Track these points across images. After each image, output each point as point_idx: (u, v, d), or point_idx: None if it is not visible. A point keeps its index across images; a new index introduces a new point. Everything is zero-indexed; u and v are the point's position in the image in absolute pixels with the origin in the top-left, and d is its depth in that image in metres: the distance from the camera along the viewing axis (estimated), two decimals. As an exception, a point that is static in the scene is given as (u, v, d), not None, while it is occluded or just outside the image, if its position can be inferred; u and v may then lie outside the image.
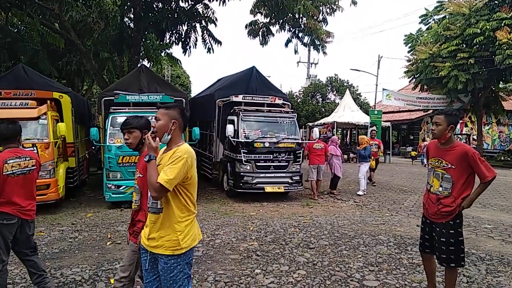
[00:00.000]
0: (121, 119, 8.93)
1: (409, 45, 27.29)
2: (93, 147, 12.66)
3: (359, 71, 28.51)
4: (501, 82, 24.73)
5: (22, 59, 14.75)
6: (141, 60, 16.23)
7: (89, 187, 11.56)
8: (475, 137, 26.32)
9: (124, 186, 8.59)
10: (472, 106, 24.64)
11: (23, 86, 9.01)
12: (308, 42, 16.57)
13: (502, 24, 19.38)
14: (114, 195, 8.57)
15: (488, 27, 19.68)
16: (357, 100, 28.55)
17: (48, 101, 8.86)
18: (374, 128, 10.68)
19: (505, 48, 19.01)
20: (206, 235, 6.38)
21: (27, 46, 14.96)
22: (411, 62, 25.05)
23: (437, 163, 3.69)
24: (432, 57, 22.13)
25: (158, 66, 19.87)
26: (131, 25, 15.41)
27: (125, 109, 9.25)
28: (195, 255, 5.34)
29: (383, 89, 24.92)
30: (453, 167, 3.54)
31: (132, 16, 15.02)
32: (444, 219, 3.59)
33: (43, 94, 9.10)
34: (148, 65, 16.91)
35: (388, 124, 24.73)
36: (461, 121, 31.02)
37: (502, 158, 23.46)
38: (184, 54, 14.66)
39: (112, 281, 4.40)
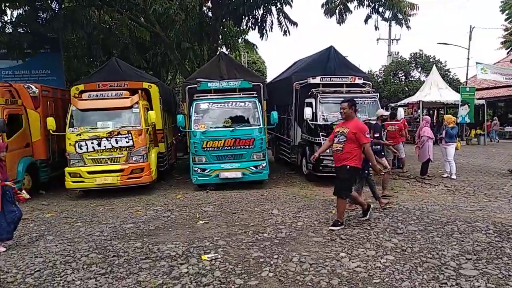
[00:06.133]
0: (204, 105, 9.36)
1: (506, 12, 24.23)
2: (179, 133, 13.49)
3: (448, 44, 26.07)
4: None
5: (115, 53, 16.08)
6: (219, 48, 16.70)
7: (177, 171, 12.37)
8: None
9: (208, 170, 9.02)
10: None
11: (117, 78, 9.84)
12: (389, 17, 15.59)
13: None
14: (200, 178, 9.06)
15: None
16: (445, 76, 26.22)
17: (139, 91, 9.57)
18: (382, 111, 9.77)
19: None
20: (288, 218, 6.45)
21: (118, 41, 16.29)
22: (510, 31, 22.29)
23: None
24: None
25: (236, 53, 20.28)
26: (210, 13, 15.88)
27: (207, 95, 9.64)
28: (278, 236, 5.44)
29: (477, 63, 22.52)
30: None
31: (210, 5, 15.47)
32: None
33: (134, 84, 9.86)
34: (226, 52, 17.36)
35: (482, 101, 22.45)
36: None
37: None
38: (261, 39, 14.76)
39: (203, 257, 4.68)
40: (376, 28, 16.67)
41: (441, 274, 4.07)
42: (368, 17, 15.87)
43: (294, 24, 14.61)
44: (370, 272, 4.15)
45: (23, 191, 5.80)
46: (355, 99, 6.37)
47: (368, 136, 5.70)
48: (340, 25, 15.74)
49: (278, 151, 13.73)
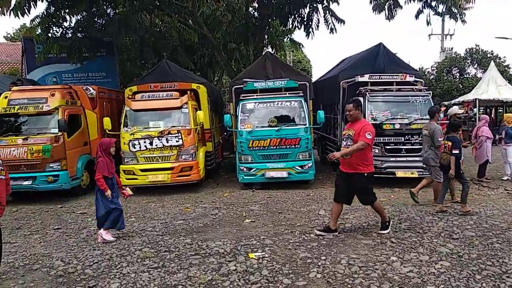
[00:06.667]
0: (250, 105, 9.45)
1: None
2: (225, 133, 13.73)
3: (508, 39, 24.37)
4: None
5: (164, 55, 16.66)
6: (265, 48, 16.76)
7: (224, 169, 12.58)
8: None
9: (254, 169, 9.10)
10: None
11: (167, 79, 10.21)
12: (443, 11, 14.83)
13: None
14: (246, 177, 9.17)
15: None
16: (504, 73, 24.54)
17: (188, 92, 9.85)
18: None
19: None
20: (336, 219, 6.34)
21: (168, 43, 16.86)
22: None
23: None
24: None
25: (281, 52, 20.26)
26: (256, 14, 15.99)
27: (253, 95, 9.72)
28: (325, 237, 5.37)
29: (541, 57, 20.85)
30: None
31: (256, 5, 15.57)
32: None
33: (184, 85, 10.18)
34: (272, 52, 17.39)
35: (548, 99, 20.71)
36: None
37: None
38: (307, 37, 14.59)
39: (250, 255, 4.73)
40: (428, 23, 15.86)
41: (502, 283, 3.82)
42: (419, 12, 15.18)
43: (341, 21, 14.30)
44: (423, 278, 3.99)
45: (127, 188, 6.11)
46: (358, 99, 5.71)
47: (369, 137, 5.13)
48: (389, 21, 15.22)
49: (324, 151, 13.54)
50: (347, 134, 5.41)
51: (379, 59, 10.58)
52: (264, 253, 4.82)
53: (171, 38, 17.34)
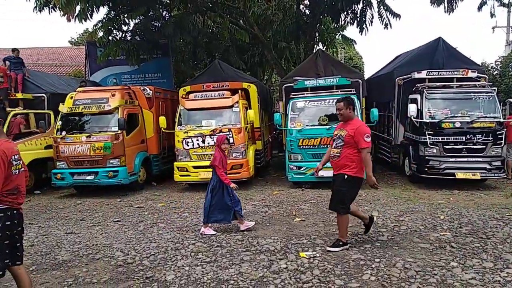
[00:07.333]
0: (300, 104, 9.38)
1: None
2: (274, 131, 13.76)
3: None
4: None
5: (216, 56, 17.01)
6: (315, 45, 16.53)
7: (273, 168, 12.62)
8: None
9: (304, 168, 9.01)
10: None
11: (219, 79, 10.41)
12: (509, 1, 13.77)
13: None
14: (295, 176, 9.12)
15: None
16: None
17: (239, 91, 9.99)
18: None
19: None
20: (390, 221, 6.13)
21: (220, 44, 17.21)
22: None
23: None
24: None
25: (333, 49, 19.90)
26: (307, 11, 15.83)
27: (304, 94, 9.64)
28: (379, 239, 5.20)
29: None
30: None
31: (307, 2, 15.40)
32: None
33: (235, 85, 10.32)
34: (323, 49, 17.11)
35: None
36: None
37: None
38: (361, 34, 14.17)
39: (301, 254, 4.70)
40: (492, 15, 14.78)
41: None
42: (482, 3, 14.19)
43: (397, 16, 13.72)
44: (487, 285, 3.74)
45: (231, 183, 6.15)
46: (350, 97, 5.12)
47: (368, 140, 4.68)
48: (449, 14, 14.39)
49: (376, 150, 13.12)
50: (338, 134, 4.92)
51: (437, 54, 10.08)
52: (315, 252, 4.77)
53: (223, 39, 17.67)
